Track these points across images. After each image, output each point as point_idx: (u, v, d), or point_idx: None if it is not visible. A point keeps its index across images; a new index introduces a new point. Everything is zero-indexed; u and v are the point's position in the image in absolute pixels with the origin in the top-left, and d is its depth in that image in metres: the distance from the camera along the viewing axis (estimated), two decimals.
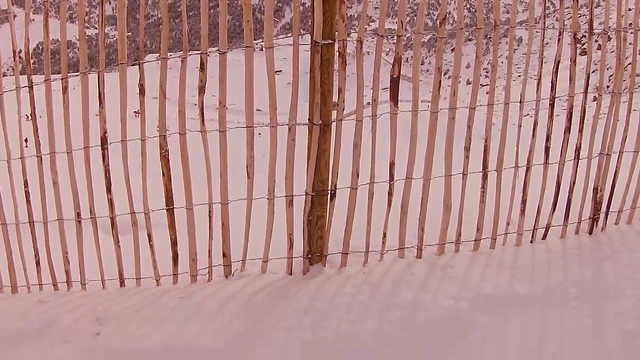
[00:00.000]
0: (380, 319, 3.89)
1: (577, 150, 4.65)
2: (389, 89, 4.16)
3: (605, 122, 4.70)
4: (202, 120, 4.14)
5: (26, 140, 4.48)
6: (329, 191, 4.21)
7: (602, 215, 4.85)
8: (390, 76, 4.15)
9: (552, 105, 4.50)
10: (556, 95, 4.49)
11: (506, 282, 4.19)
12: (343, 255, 4.36)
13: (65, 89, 4.23)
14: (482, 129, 4.38)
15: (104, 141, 4.23)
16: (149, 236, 4.32)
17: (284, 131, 4.13)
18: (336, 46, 4.04)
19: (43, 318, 4.10)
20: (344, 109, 4.10)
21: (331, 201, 4.23)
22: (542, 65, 4.47)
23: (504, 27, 4.44)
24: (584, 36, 4.86)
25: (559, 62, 4.43)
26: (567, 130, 4.55)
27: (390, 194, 4.28)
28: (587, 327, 3.89)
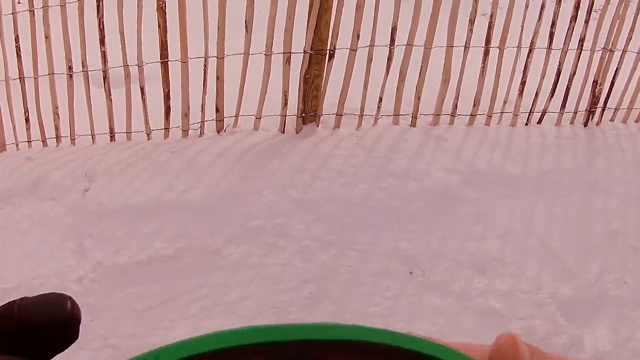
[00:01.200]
0: (371, 185, 3.92)
1: (581, 40, 4.62)
2: None
3: (612, 17, 4.66)
4: None
5: None
6: (328, 51, 4.19)
7: (598, 110, 4.86)
8: None
9: None
10: None
11: (499, 161, 4.23)
12: (337, 116, 4.37)
13: None
14: (489, 3, 4.33)
15: None
16: (142, 89, 4.28)
17: None
18: None
19: (31, 176, 4.09)
20: None
21: (329, 61, 4.21)
22: None
23: None
24: None
25: None
26: (574, 18, 4.51)
27: (389, 59, 4.26)
28: (574, 219, 3.96)
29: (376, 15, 4.13)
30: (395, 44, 4.24)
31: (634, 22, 4.72)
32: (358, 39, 4.20)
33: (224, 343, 0.40)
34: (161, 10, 4.15)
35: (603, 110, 4.87)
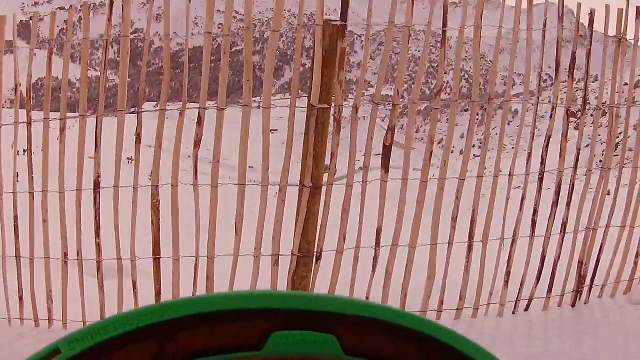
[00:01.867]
0: None
1: (564, 224, 4.75)
2: (380, 156, 4.26)
3: (593, 196, 4.81)
4: (195, 174, 4.25)
5: (17, 175, 4.57)
6: (315, 253, 4.30)
7: (585, 288, 4.94)
8: (383, 144, 4.25)
9: (540, 179, 4.62)
10: (545, 170, 4.60)
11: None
12: None
13: (62, 130, 4.33)
14: (471, 199, 4.48)
15: (96, 185, 4.33)
16: (134, 283, 4.40)
17: (275, 190, 4.23)
18: (332, 110, 4.15)
19: (22, 354, 4.14)
20: (335, 173, 4.21)
21: (316, 263, 4.32)
22: (533, 138, 4.58)
23: (499, 100, 4.55)
24: (579, 110, 5.00)
25: (549, 136, 4.55)
26: (555, 204, 4.66)
27: (375, 259, 4.38)
28: None
29: (361, 218, 4.27)
30: (381, 244, 4.36)
31: (615, 198, 4.87)
32: (344, 241, 4.33)
33: (231, 304, 0.42)
34: (155, 208, 4.30)
35: (590, 288, 4.96)
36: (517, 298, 4.73)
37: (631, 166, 4.94)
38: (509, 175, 4.49)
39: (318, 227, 4.27)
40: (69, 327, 4.60)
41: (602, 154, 5.02)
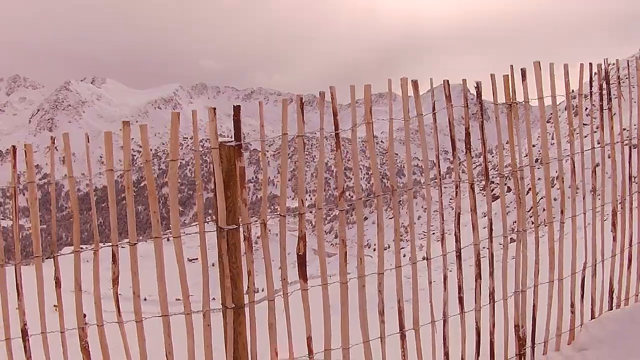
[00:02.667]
0: None
1: (491, 293, 4.89)
2: (297, 266, 4.37)
3: (515, 261, 4.98)
4: (118, 311, 4.29)
5: None
6: None
7: (528, 350, 5.05)
8: (297, 254, 4.37)
9: (458, 257, 4.77)
10: (462, 246, 4.76)
11: None
12: None
13: None
14: (394, 291, 4.60)
15: (24, 333, 4.32)
16: None
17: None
18: (241, 230, 4.27)
19: None
20: (255, 291, 4.30)
21: None
22: (443, 219, 4.76)
23: (402, 190, 4.72)
24: (492, 182, 5.22)
25: (459, 214, 4.74)
26: (478, 276, 4.81)
27: None
28: None
29: (289, 329, 4.35)
30: (314, 352, 4.43)
31: (537, 255, 5.04)
32: (277, 355, 4.38)
33: None
34: (85, 351, 4.31)
35: (533, 348, 5.07)
36: None
37: (546, 222, 5.15)
38: (427, 259, 4.64)
39: (249, 346, 4.33)
40: None
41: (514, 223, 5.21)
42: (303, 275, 4.39)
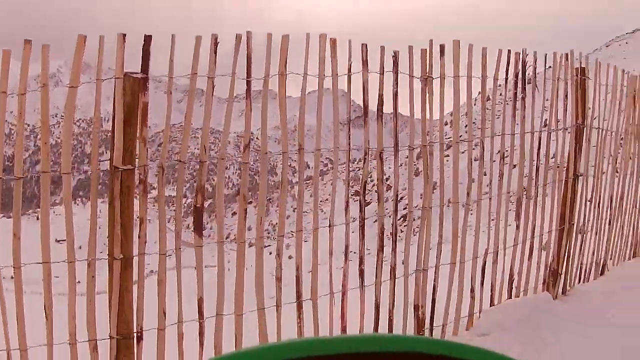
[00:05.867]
0: None
1: (392, 269, 4.96)
2: (192, 220, 4.29)
3: (418, 238, 5.08)
4: None
5: None
6: (135, 333, 4.21)
7: (426, 332, 5.15)
8: (194, 205, 4.29)
9: (362, 227, 4.81)
10: (366, 217, 4.80)
11: None
12: None
13: None
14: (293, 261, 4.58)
15: None
16: None
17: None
18: (137, 172, 4.14)
19: None
20: (146, 242, 4.18)
21: (138, 345, 4.22)
22: (349, 186, 4.79)
23: (311, 151, 4.71)
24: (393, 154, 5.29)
25: (365, 182, 4.79)
26: (381, 249, 4.87)
27: (201, 333, 4.34)
28: None
29: (180, 289, 4.26)
30: (205, 316, 4.35)
31: (440, 237, 5.16)
32: (165, 316, 4.27)
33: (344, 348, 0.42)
34: None
35: (431, 330, 5.17)
36: None
37: (451, 203, 5.28)
38: (329, 226, 4.65)
39: (135, 304, 4.20)
40: None
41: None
42: (198, 229, 4.32)
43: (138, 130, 4.12)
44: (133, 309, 4.21)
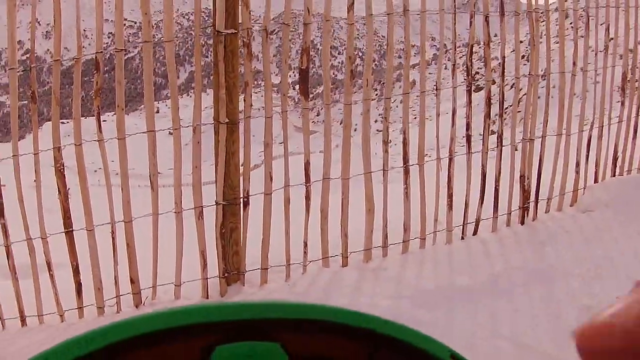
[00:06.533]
0: None
1: (499, 137, 4.81)
2: (298, 83, 4.20)
3: (525, 105, 4.90)
4: (99, 127, 4.06)
5: None
6: (242, 199, 4.19)
7: (531, 205, 5.03)
8: (299, 68, 4.19)
9: (469, 92, 4.65)
10: (474, 81, 4.65)
11: (446, 276, 4.29)
12: (262, 271, 4.31)
13: None
14: (399, 124, 4.47)
15: None
16: (49, 264, 4.13)
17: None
18: (240, 35, 4.06)
19: None
20: (251, 105, 4.12)
21: (244, 210, 4.20)
22: (455, 49, 4.62)
23: None
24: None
25: (472, 45, 4.61)
26: (487, 116, 4.72)
27: (307, 197, 4.29)
28: (540, 310, 4.01)
29: (286, 153, 4.20)
30: (311, 180, 4.29)
31: (547, 105, 4.97)
32: (272, 180, 4.23)
33: (171, 322, 0.41)
34: (60, 174, 4.08)
35: (536, 203, 5.04)
36: (463, 222, 4.75)
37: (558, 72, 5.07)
38: (436, 89, 4.51)
39: (241, 168, 4.17)
40: None
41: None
42: (304, 91, 4.22)
43: None
44: (239, 174, 4.18)
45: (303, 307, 0.43)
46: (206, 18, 4.71)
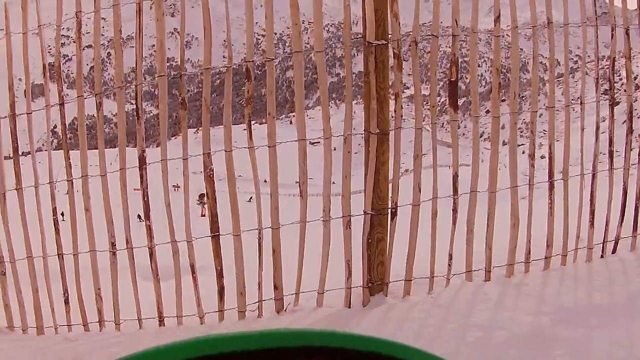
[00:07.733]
0: (455, 341, 3.91)
1: None
2: (447, 95, 4.26)
3: None
4: (250, 135, 4.19)
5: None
6: (390, 209, 4.25)
7: None
8: (448, 80, 4.26)
9: (611, 106, 4.63)
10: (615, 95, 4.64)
11: (585, 295, 4.28)
12: (406, 282, 4.35)
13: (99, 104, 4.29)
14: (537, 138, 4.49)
15: (142, 161, 4.22)
16: (192, 267, 4.25)
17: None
18: (390, 47, 4.15)
19: (73, 353, 4.01)
20: (402, 116, 4.19)
21: (392, 221, 4.26)
22: (598, 61, 4.63)
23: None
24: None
25: (614, 58, 4.61)
26: (629, 131, 4.69)
27: (454, 210, 4.33)
28: None
29: (435, 165, 4.26)
30: (459, 192, 4.33)
31: None
32: (420, 191, 4.28)
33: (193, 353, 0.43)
34: (209, 179, 4.21)
35: None
36: (603, 240, 4.72)
37: None
38: (580, 103, 4.52)
39: (390, 179, 4.23)
40: (123, 328, 4.43)
41: None
42: (453, 104, 4.28)
43: (389, 5, 4.11)
44: (388, 184, 4.25)
45: (320, 335, 0.45)
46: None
